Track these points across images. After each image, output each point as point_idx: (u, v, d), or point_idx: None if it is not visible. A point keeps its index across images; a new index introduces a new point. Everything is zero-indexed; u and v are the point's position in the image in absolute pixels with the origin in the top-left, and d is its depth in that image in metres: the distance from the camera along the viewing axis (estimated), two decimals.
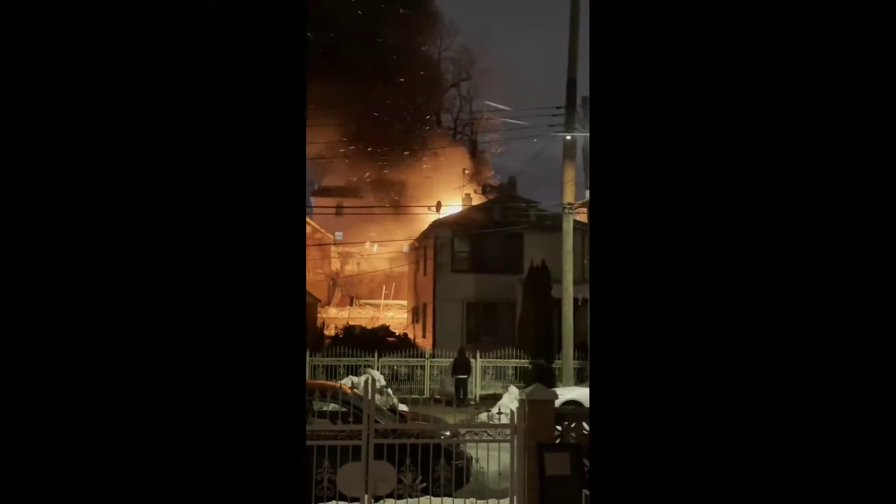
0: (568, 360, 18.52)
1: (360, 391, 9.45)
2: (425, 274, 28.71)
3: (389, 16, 37.80)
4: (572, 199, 18.80)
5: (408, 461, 6.45)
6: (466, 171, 38.49)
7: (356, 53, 34.86)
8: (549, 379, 19.29)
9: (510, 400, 14.14)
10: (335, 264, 40.67)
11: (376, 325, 29.90)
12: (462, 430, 7.54)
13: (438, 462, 6.64)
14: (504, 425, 6.48)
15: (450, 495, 6.79)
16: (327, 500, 6.58)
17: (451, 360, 20.50)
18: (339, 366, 21.11)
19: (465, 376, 19.92)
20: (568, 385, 17.56)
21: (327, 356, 21.62)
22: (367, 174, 39.39)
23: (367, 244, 38.76)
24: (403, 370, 21.78)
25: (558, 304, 19.44)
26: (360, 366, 20.87)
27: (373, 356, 21.45)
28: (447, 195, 34.37)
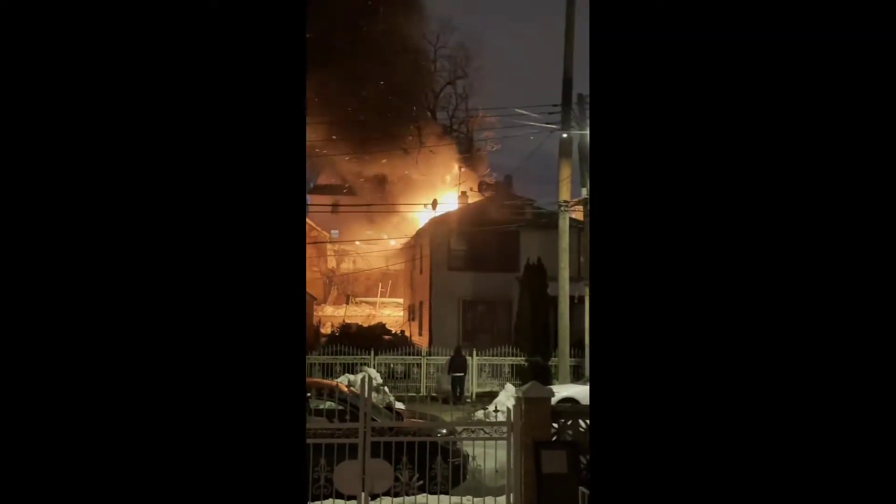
0: (564, 357, 18.54)
1: (356, 389, 9.44)
2: (421, 272, 28.71)
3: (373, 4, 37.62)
4: (568, 196, 18.81)
5: (404, 459, 6.46)
6: (462, 169, 38.48)
7: (342, 43, 34.73)
8: (546, 376, 19.31)
9: (506, 398, 14.14)
10: (331, 262, 40.65)
11: (372, 322, 29.88)
12: (459, 428, 7.55)
13: (435, 460, 6.65)
14: (501, 423, 6.49)
15: (446, 493, 6.81)
16: (324, 499, 6.58)
17: (448, 357, 20.51)
18: (336, 364, 21.10)
19: (462, 374, 19.92)
20: (564, 383, 17.58)
21: (323, 354, 21.62)
22: (360, 172, 39.33)
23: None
24: (400, 368, 21.78)
25: (554, 301, 19.46)
26: (356, 364, 20.87)
27: (369, 354, 21.45)
28: (443, 193, 34.38)
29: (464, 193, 33.57)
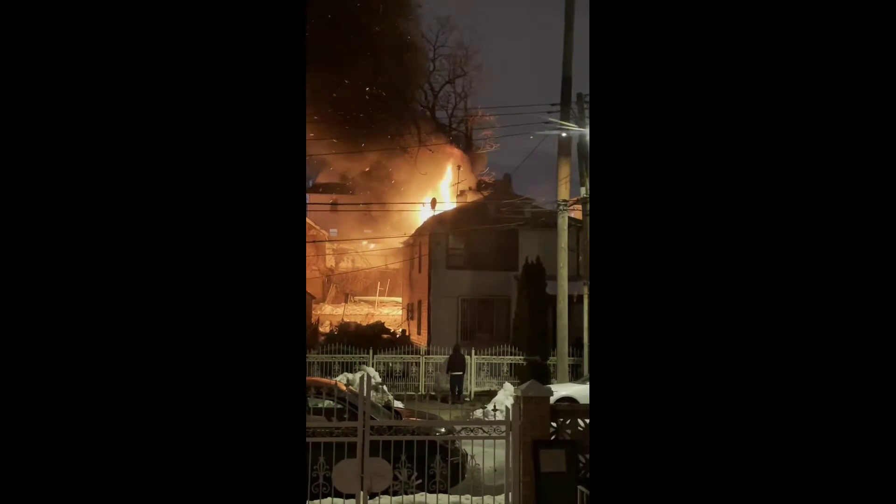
0: (563, 356, 18.55)
1: (355, 388, 9.45)
2: (420, 270, 28.71)
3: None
4: (567, 195, 18.82)
5: (403, 458, 6.46)
6: (461, 168, 38.48)
7: (337, 40, 34.69)
8: (544, 376, 19.32)
9: (505, 397, 14.16)
10: (330, 261, 40.64)
11: (371, 321, 29.88)
12: (457, 427, 7.56)
13: (434, 459, 6.65)
14: (499, 422, 6.50)
15: (445, 492, 6.81)
16: (323, 497, 6.59)
17: (446, 356, 20.51)
18: (334, 363, 21.10)
19: (460, 373, 19.92)
20: (563, 382, 17.59)
21: (322, 353, 21.61)
22: (358, 171, 39.33)
23: (366, 242, 38.74)
24: (398, 367, 21.79)
25: (553, 300, 19.47)
26: (355, 363, 20.87)
27: (368, 353, 21.45)
28: (443, 192, 34.39)
29: (463, 192, 33.58)
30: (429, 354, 22.16)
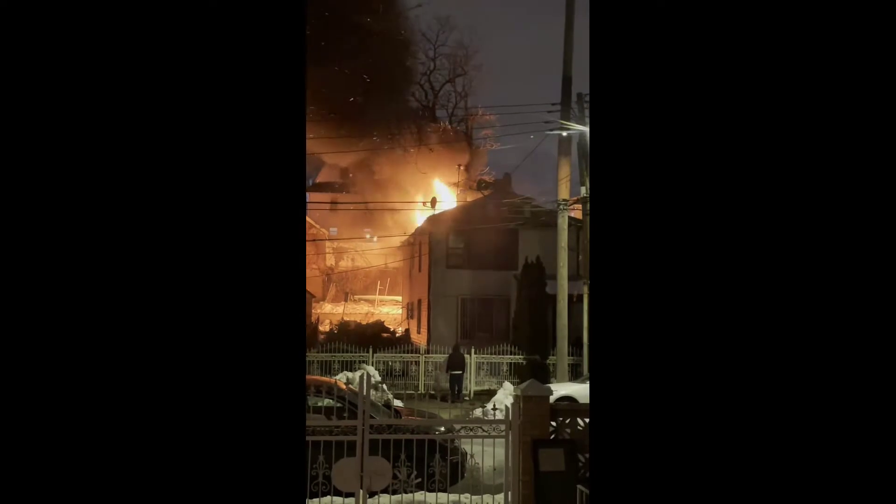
0: (562, 356, 18.56)
1: (355, 387, 9.46)
2: (420, 270, 28.72)
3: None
4: (567, 195, 18.83)
5: (403, 457, 6.47)
6: (461, 167, 38.47)
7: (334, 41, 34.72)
8: (544, 375, 19.33)
9: (504, 396, 14.16)
10: (330, 260, 40.64)
11: (371, 320, 29.89)
12: (457, 426, 7.56)
13: (433, 458, 6.66)
14: (499, 421, 6.50)
15: (444, 491, 6.81)
16: (323, 496, 6.59)
17: (446, 355, 20.52)
18: (334, 361, 21.11)
19: (460, 372, 19.94)
20: (562, 381, 17.61)
21: (322, 352, 21.62)
22: (358, 170, 39.33)
23: (368, 236, 38.71)
24: (398, 366, 21.80)
25: (553, 300, 19.48)
26: (354, 361, 20.88)
27: (367, 352, 21.46)
28: (442, 191, 34.37)
29: (463, 192, 33.59)
30: (428, 353, 22.17)
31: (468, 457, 7.78)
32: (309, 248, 34.03)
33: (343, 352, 21.54)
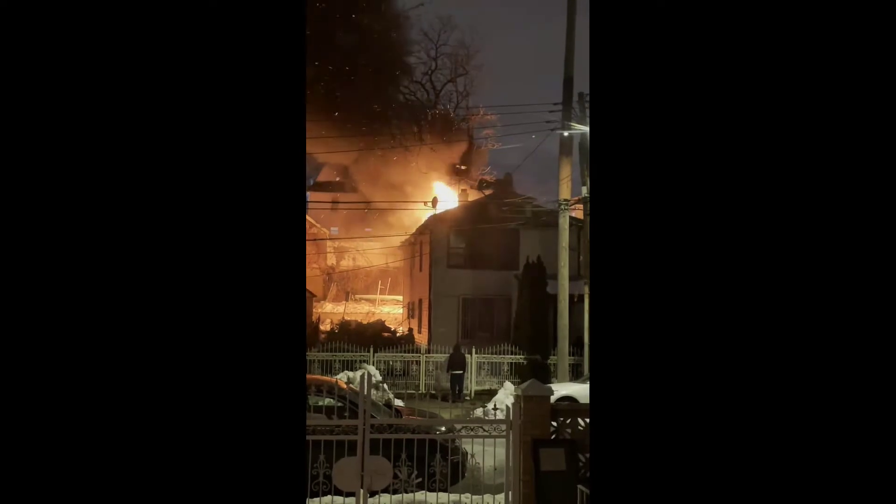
0: (563, 356, 18.56)
1: (355, 386, 9.45)
2: (421, 269, 28.71)
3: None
4: (568, 195, 18.82)
5: (403, 456, 6.46)
6: (463, 167, 38.46)
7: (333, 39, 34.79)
8: (545, 375, 19.33)
9: (505, 396, 14.16)
10: (330, 259, 40.64)
11: (372, 320, 29.89)
12: (458, 426, 7.56)
13: (434, 457, 6.65)
14: (500, 421, 6.50)
15: (445, 490, 6.81)
16: (323, 495, 6.59)
17: (447, 355, 20.52)
18: (335, 361, 21.12)
19: (461, 372, 19.94)
20: (563, 381, 17.60)
21: (323, 351, 21.62)
22: (359, 169, 39.32)
23: (369, 230, 38.72)
24: (399, 365, 21.80)
25: (554, 300, 19.47)
26: (355, 361, 20.89)
27: (368, 351, 21.46)
28: (443, 191, 34.35)
29: (464, 191, 33.58)
30: (429, 353, 22.17)
31: (469, 456, 7.78)
32: (310, 247, 34.04)
33: (344, 351, 21.54)
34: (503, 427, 6.38)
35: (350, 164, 39.34)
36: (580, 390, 15.33)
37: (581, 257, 22.82)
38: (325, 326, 29.20)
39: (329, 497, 6.63)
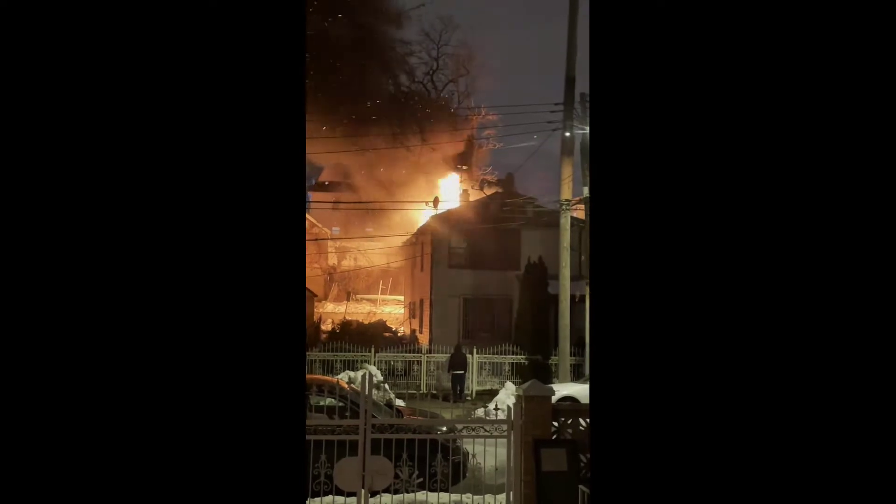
0: (564, 356, 18.55)
1: (356, 386, 9.46)
2: (422, 269, 28.72)
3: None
4: (570, 195, 18.81)
5: (404, 456, 6.47)
6: (464, 167, 38.45)
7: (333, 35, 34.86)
8: (546, 375, 19.34)
9: (506, 396, 14.17)
10: (332, 259, 40.65)
11: (373, 320, 29.90)
12: (459, 426, 7.56)
13: (435, 457, 6.66)
14: (501, 421, 6.50)
15: (446, 490, 6.82)
16: (324, 495, 6.60)
17: (448, 355, 20.52)
18: (336, 361, 21.13)
19: (462, 372, 19.94)
20: (564, 381, 17.60)
21: (324, 351, 21.64)
22: (360, 169, 39.33)
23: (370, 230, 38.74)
24: (400, 365, 21.81)
25: (555, 300, 19.47)
26: (356, 361, 20.89)
27: (369, 351, 21.47)
28: (444, 190, 34.35)
29: (465, 191, 33.58)
30: (430, 353, 22.17)
31: (470, 457, 7.79)
32: (311, 247, 34.05)
33: (345, 351, 21.56)
34: (504, 427, 6.38)
35: (351, 164, 39.34)
36: (581, 390, 15.32)
37: (582, 257, 22.83)
38: (327, 326, 29.21)
39: (330, 497, 6.63)
